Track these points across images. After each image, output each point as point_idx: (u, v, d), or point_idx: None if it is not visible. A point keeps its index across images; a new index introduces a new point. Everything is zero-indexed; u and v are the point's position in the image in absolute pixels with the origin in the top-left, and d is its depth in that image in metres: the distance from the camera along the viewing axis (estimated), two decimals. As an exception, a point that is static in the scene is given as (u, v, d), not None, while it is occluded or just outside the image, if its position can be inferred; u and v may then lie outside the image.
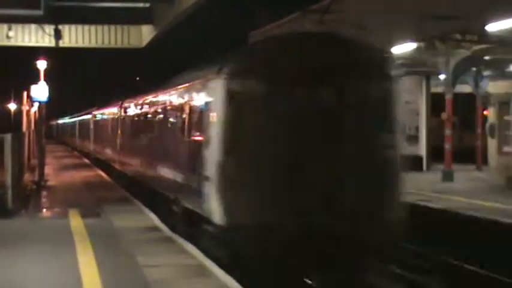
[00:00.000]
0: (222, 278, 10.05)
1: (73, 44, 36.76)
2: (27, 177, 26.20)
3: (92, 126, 38.67)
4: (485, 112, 32.78)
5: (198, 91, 13.00)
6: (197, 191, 12.14)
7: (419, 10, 21.98)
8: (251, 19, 45.94)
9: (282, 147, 11.15)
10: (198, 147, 12.37)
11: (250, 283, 10.23)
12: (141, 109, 21.23)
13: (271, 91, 11.19)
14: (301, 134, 11.18)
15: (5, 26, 34.57)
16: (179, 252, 12.06)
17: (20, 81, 56.98)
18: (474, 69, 29.50)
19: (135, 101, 22.58)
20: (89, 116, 41.84)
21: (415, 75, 30.94)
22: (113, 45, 37.24)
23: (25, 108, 53.14)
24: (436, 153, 30.06)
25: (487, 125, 30.69)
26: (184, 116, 14.13)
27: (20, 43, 35.75)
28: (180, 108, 14.73)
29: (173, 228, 14.36)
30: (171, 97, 16.04)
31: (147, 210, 17.46)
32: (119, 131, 25.84)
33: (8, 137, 17.05)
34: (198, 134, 12.67)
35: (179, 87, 15.26)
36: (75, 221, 15.61)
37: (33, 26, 34.90)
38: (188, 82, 14.26)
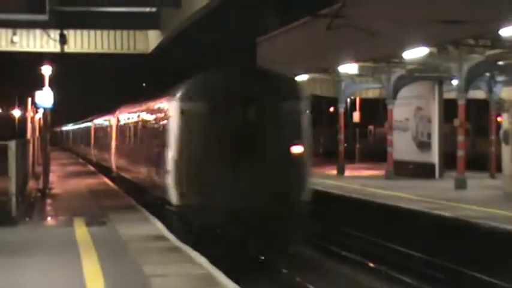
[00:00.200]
0: (230, 288, 10.03)
1: (78, 49, 36.85)
2: (31, 184, 26.23)
3: (92, 133, 43.39)
4: (499, 118, 32.66)
5: (162, 108, 18.06)
6: (162, 182, 17.00)
7: (431, 14, 21.93)
8: (259, 25, 46.02)
9: (219, 149, 15.87)
10: (162, 150, 17.06)
11: (200, 248, 13.36)
12: (127, 119, 26.10)
13: (210, 109, 15.98)
14: (233, 140, 15.81)
15: (9, 31, 34.67)
16: (186, 261, 12.03)
17: (24, 87, 57.21)
18: (488, 74, 29.42)
19: (124, 112, 27.59)
20: (89, 124, 47.05)
21: (427, 80, 30.87)
22: (118, 50, 37.31)
23: (29, 114, 53.29)
24: (448, 160, 29.94)
25: (501, 131, 30.48)
26: (153, 125, 19.46)
27: (24, 48, 35.86)
28: (150, 120, 20.12)
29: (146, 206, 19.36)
30: (146, 111, 21.18)
31: (153, 219, 17.43)
32: (113, 137, 30.32)
33: (12, 145, 17.06)
34: (162, 139, 17.27)
35: (151, 104, 20.37)
36: (80, 230, 15.60)
37: (38, 31, 35.00)
38: (157, 101, 19.21)
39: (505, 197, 22.16)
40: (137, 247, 13.25)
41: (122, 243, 13.83)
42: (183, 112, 16.19)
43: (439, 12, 21.75)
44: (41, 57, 30.88)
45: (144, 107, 21.89)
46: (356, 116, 46.97)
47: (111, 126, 31.49)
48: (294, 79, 20.11)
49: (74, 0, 29.23)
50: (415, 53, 24.53)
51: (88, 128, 47.69)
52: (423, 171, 30.69)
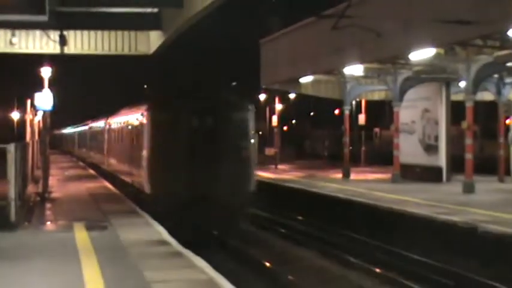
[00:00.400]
0: (234, 294, 10.04)
1: (79, 51, 36.89)
2: (30, 188, 26.23)
3: (88, 135, 48.71)
4: (507, 121, 32.64)
5: (138, 115, 22.55)
6: (139, 176, 21.81)
7: (438, 15, 21.91)
8: (262, 25, 46.05)
9: (181, 149, 19.77)
10: (139, 149, 21.60)
11: (169, 228, 16.33)
12: (116, 124, 30.43)
13: (174, 118, 20.08)
14: (191, 141, 19.79)
15: (8, 32, 34.74)
16: (188, 267, 12.02)
17: (23, 89, 57.32)
18: (496, 75, 29.38)
19: (114, 118, 31.91)
20: (86, 127, 52.01)
21: (435, 82, 30.84)
22: (120, 51, 37.34)
23: (29, 117, 53.35)
24: (456, 163, 29.89)
25: (510, 134, 30.51)
26: (132, 129, 24.23)
27: (23, 50, 35.91)
28: (131, 125, 24.56)
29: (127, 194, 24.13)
30: (128, 118, 25.58)
31: (155, 223, 17.43)
32: (105, 139, 34.85)
33: (11, 148, 17.05)
34: (138, 142, 21.97)
35: (132, 112, 24.90)
36: (80, 234, 15.60)
37: (37, 32, 35.07)
38: (136, 109, 23.89)
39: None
40: (138, 252, 13.24)
41: (123, 248, 13.83)
42: (152, 120, 20.67)
43: (447, 12, 21.73)
44: (40, 59, 30.89)
45: (127, 114, 26.46)
46: (361, 119, 46.92)
47: (103, 130, 35.91)
48: (242, 93, 25.55)
49: (74, 1, 29.29)
50: (422, 54, 24.50)
51: (84, 132, 53.08)
52: (430, 174, 30.65)
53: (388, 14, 25.07)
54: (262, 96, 72.81)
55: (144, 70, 74.90)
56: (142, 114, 21.70)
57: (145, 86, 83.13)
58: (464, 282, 15.62)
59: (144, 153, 20.80)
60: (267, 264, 17.84)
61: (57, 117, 52.09)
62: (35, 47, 35.59)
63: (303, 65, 34.02)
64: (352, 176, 34.04)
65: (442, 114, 30.84)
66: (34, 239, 15.33)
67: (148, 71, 75.15)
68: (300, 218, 26.39)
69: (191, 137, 19.79)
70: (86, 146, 50.26)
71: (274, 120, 53.86)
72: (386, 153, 38.52)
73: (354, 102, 45.22)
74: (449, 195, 24.31)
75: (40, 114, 50.20)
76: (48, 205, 21.97)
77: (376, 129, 57.42)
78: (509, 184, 28.67)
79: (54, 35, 33.09)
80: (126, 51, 37.38)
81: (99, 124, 39.48)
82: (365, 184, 29.73)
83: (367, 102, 47.14)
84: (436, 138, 30.99)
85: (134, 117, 23.67)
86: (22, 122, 66.59)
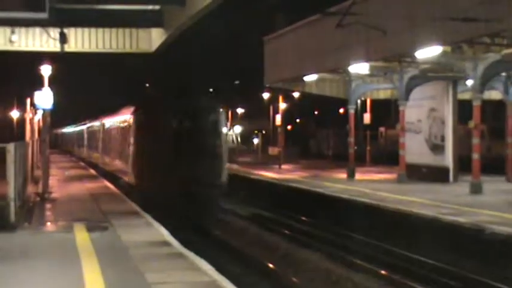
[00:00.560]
0: (237, 297, 10.03)
1: (79, 49, 36.88)
2: (30, 188, 26.25)
3: (85, 135, 52.56)
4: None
5: (126, 118, 26.88)
6: (126, 170, 26.04)
7: (445, 12, 21.87)
8: (266, 23, 45.99)
9: (162, 145, 22.58)
10: (126, 147, 25.83)
11: (154, 216, 18.80)
12: (109, 124, 34.76)
13: (157, 119, 23.13)
14: (172, 141, 22.46)
15: (7, 30, 34.74)
16: (190, 268, 12.01)
17: (23, 88, 57.33)
18: (504, 74, 29.32)
19: (107, 118, 36.33)
20: (84, 127, 55.72)
21: (441, 80, 30.79)
22: (121, 49, 37.32)
23: (28, 116, 53.37)
24: (463, 163, 29.85)
25: (518, 133, 30.44)
26: (121, 129, 28.17)
27: (23, 48, 35.90)
28: (120, 125, 28.74)
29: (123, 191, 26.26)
30: (119, 119, 29.59)
31: (156, 224, 17.42)
32: (101, 138, 38.77)
33: (10, 147, 17.04)
34: (126, 140, 26.09)
35: (121, 113, 29.32)
36: (81, 235, 15.60)
37: (37, 30, 35.06)
38: (126, 111, 27.73)
39: (522, 202, 22.08)
40: (140, 253, 13.23)
41: (124, 249, 13.82)
42: (136, 120, 24.55)
43: (454, 9, 21.68)
44: (40, 57, 30.89)
45: (118, 115, 30.30)
46: (367, 118, 46.87)
47: (99, 130, 40.12)
48: (216, 97, 28.31)
49: (75, -2, 29.31)
50: (428, 52, 24.46)
51: (81, 131, 57.46)
52: (437, 175, 30.61)
53: (393, 11, 25.04)
54: (265, 95, 72.86)
55: (146, 68, 74.86)
56: (129, 116, 26.08)
57: (146, 85, 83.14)
58: (469, 285, 15.60)
59: (130, 150, 24.96)
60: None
61: (57, 116, 52.12)
62: (35, 44, 35.58)
63: (308, 63, 34.00)
64: (357, 176, 34.02)
65: (448, 113, 30.78)
66: (34, 240, 15.33)
67: (150, 69, 75.11)
68: (303, 219, 26.37)
69: (170, 136, 22.63)
70: (83, 145, 54.10)
71: (278, 119, 53.84)
72: (392, 153, 38.48)
73: (359, 101, 45.20)
74: (456, 195, 24.28)
75: (40, 113, 50.24)
76: (48, 205, 21.98)
77: (382, 129, 57.36)
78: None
79: (55, 32, 33.13)
80: (127, 49, 37.35)
81: (96, 124, 43.10)
82: (370, 184, 29.70)
83: (373, 101, 47.08)
84: (443, 137, 30.94)
85: (123, 118, 27.96)
86: (22, 121, 66.61)
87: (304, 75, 35.97)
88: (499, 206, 20.89)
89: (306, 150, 64.66)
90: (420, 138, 32.32)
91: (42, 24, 31.92)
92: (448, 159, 30.70)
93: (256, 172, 39.26)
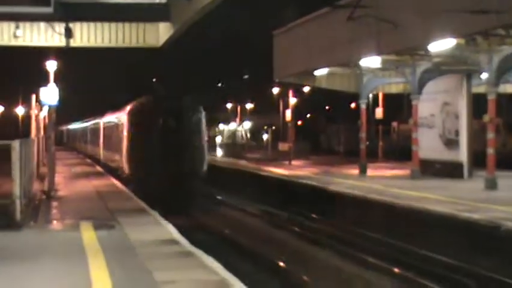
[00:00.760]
0: (246, 296, 10.03)
1: (85, 44, 36.88)
2: (36, 186, 26.34)
3: (88, 132, 57.82)
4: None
5: (121, 117, 31.34)
6: (121, 162, 30.51)
7: (459, 4, 21.77)
8: (275, 16, 45.93)
9: (153, 141, 26.90)
10: (122, 143, 30.12)
11: (147, 203, 21.68)
12: (108, 122, 39.25)
13: (147, 118, 27.69)
14: (162, 136, 26.91)
15: (12, 25, 34.78)
16: (199, 267, 12.01)
17: (28, 84, 57.46)
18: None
19: (105, 116, 41.59)
20: (86, 124, 61.60)
21: (455, 74, 30.69)
22: (127, 44, 37.30)
23: (34, 112, 53.47)
24: (477, 159, 29.76)
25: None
26: (118, 128, 32.54)
27: (28, 43, 35.93)
28: (117, 124, 32.98)
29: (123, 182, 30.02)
30: (116, 118, 34.32)
31: (164, 222, 17.45)
32: (101, 134, 43.45)
33: (15, 144, 17.08)
34: (121, 137, 30.51)
35: (117, 113, 34.21)
36: (88, 234, 15.63)
37: (42, 25, 35.08)
38: (120, 112, 32.87)
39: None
40: (147, 252, 13.24)
41: (131, 247, 13.84)
42: (130, 121, 28.91)
43: (467, 1, 21.59)
44: (45, 52, 30.96)
45: (116, 114, 35.06)
46: (379, 113, 46.79)
47: (99, 128, 44.82)
48: (198, 99, 32.21)
49: (80, -8, 29.33)
50: (442, 45, 24.37)
51: (85, 128, 62.32)
52: (451, 170, 30.54)
53: (405, 3, 24.96)
54: (275, 90, 72.77)
55: (153, 63, 74.94)
56: (123, 116, 30.39)
57: (153, 80, 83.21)
58: (482, 282, 15.57)
59: (125, 144, 29.42)
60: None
61: (63, 112, 52.21)
62: (40, 40, 35.60)
63: (318, 57, 33.93)
64: (369, 172, 33.97)
65: (463, 107, 30.69)
66: (40, 238, 15.37)
67: (157, 64, 75.22)
68: (314, 216, 26.34)
69: (159, 132, 27.06)
70: (88, 141, 58.84)
71: (288, 114, 53.79)
72: (405, 148, 38.41)
73: (370, 96, 45.10)
74: (471, 191, 24.22)
75: (45, 109, 50.30)
76: (54, 203, 22.04)
77: (394, 124, 57.20)
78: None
79: (60, 27, 33.17)
80: (134, 44, 37.34)
81: (98, 121, 47.83)
82: (383, 180, 29.65)
83: (385, 96, 46.98)
84: (457, 132, 30.85)
85: (120, 116, 32.35)
86: (27, 118, 66.75)
87: (315, 70, 35.91)
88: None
89: (316, 145, 64.62)
90: (434, 133, 32.24)
91: (47, 18, 31.93)
92: (462, 155, 30.62)
93: (265, 168, 39.26)
